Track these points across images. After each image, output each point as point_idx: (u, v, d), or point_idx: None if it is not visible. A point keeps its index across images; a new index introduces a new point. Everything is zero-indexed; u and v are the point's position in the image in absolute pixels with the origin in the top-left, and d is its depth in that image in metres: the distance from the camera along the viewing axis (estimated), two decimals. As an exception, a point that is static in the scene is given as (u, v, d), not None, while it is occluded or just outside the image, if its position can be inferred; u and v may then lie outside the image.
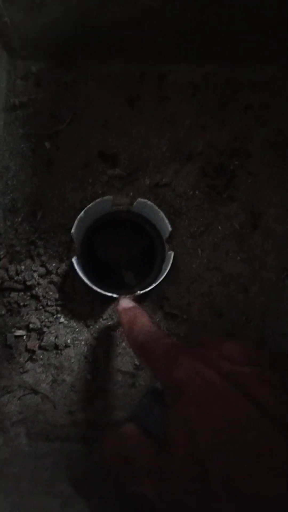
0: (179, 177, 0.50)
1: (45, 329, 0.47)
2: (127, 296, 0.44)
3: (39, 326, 0.47)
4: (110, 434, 0.29)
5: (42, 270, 0.48)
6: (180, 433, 0.23)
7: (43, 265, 0.48)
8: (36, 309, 0.47)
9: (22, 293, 0.47)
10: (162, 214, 0.46)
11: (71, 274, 0.48)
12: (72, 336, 0.47)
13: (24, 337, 0.47)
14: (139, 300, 0.48)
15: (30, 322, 0.47)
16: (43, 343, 0.47)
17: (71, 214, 0.49)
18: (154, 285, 0.46)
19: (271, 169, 0.51)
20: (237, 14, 0.45)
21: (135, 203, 0.48)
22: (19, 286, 0.47)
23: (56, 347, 0.47)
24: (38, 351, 0.47)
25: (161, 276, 0.46)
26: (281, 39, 0.47)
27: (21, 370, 0.47)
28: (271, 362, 0.25)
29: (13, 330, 0.47)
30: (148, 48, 0.49)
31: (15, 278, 0.47)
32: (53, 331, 0.47)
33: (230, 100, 0.51)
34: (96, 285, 0.45)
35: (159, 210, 0.46)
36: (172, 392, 0.25)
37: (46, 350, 0.47)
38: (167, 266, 0.47)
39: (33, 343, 0.47)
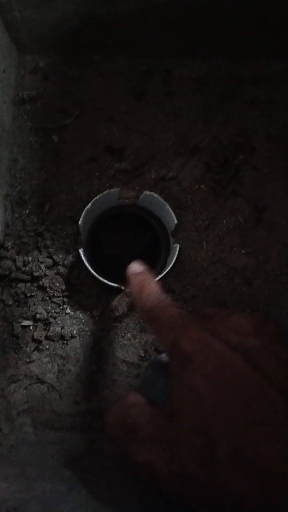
0: (185, 171, 0.51)
1: (51, 319, 0.48)
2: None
3: (46, 317, 0.47)
4: (114, 403, 0.29)
5: (49, 261, 0.48)
6: (187, 402, 0.23)
7: (50, 256, 0.48)
8: (43, 300, 0.48)
9: (29, 284, 0.48)
10: (168, 206, 0.47)
11: (78, 265, 0.48)
12: (78, 327, 0.48)
13: (31, 327, 0.48)
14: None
15: (36, 313, 0.47)
16: (49, 334, 0.47)
17: (78, 206, 0.50)
18: (159, 277, 0.46)
19: (275, 163, 0.51)
20: (241, 9, 0.45)
21: (141, 196, 0.48)
22: (26, 277, 0.48)
23: (62, 337, 0.47)
24: (45, 341, 0.47)
25: (166, 269, 0.47)
26: (285, 34, 0.47)
27: (27, 360, 0.47)
28: (279, 335, 0.25)
29: (20, 320, 0.47)
30: (154, 44, 0.50)
31: (23, 269, 0.48)
32: (59, 321, 0.48)
33: (235, 95, 0.52)
34: (101, 277, 0.45)
35: (165, 202, 0.47)
36: (178, 361, 0.25)
37: (53, 340, 0.47)
38: (172, 259, 0.47)
39: (39, 333, 0.47)
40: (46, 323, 0.48)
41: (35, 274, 0.48)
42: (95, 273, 0.45)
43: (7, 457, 0.41)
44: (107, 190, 0.46)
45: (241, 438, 0.21)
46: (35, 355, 0.47)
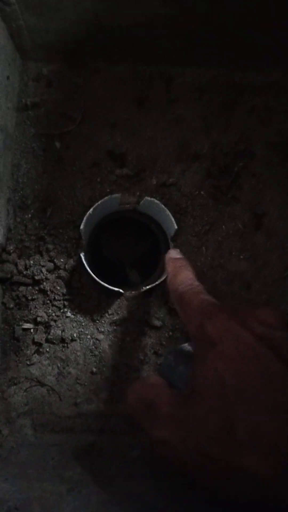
0: (185, 177, 0.52)
1: (52, 322, 0.48)
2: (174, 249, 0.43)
3: (46, 320, 0.48)
4: (135, 382, 0.30)
5: (50, 265, 0.49)
6: (209, 384, 0.24)
7: (51, 260, 0.49)
8: (43, 303, 0.49)
9: (30, 287, 0.49)
10: (168, 212, 0.48)
11: (79, 269, 0.49)
12: (78, 330, 0.48)
13: (32, 330, 0.48)
14: (144, 295, 0.49)
15: (37, 316, 0.48)
16: (50, 337, 0.48)
17: (79, 211, 0.50)
18: (159, 281, 0.47)
19: (275, 170, 0.52)
20: (242, 19, 0.46)
21: (142, 202, 0.49)
22: (28, 281, 0.48)
23: (62, 340, 0.48)
24: (45, 344, 0.48)
25: (166, 273, 0.47)
26: (286, 43, 0.48)
27: (28, 363, 0.48)
28: None
29: (21, 323, 0.48)
30: (157, 52, 0.51)
31: (24, 273, 0.48)
32: (60, 324, 0.48)
33: (236, 103, 0.53)
34: (102, 281, 0.46)
35: (165, 208, 0.48)
36: (203, 344, 0.26)
37: (53, 343, 0.48)
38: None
39: (40, 336, 0.48)
40: (47, 326, 0.48)
41: (37, 277, 0.48)
42: (96, 277, 0.46)
43: (8, 459, 0.41)
44: (109, 196, 0.47)
45: (262, 422, 0.22)
46: (35, 358, 0.48)
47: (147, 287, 0.46)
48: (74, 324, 0.49)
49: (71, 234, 0.50)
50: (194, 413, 0.24)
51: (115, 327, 0.49)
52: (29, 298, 0.48)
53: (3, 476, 0.36)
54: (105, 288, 0.46)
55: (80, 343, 0.48)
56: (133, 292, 0.49)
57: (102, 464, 0.40)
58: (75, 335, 0.48)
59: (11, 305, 0.48)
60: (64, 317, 0.49)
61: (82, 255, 0.46)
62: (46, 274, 0.49)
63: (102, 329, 0.49)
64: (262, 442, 0.21)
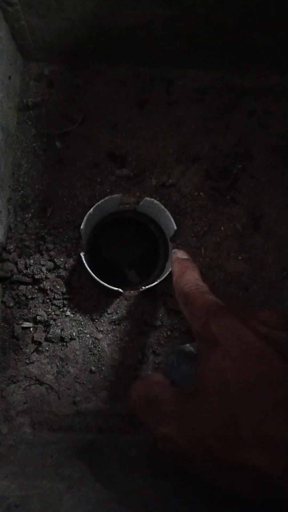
0: (185, 179, 0.52)
1: (51, 321, 0.48)
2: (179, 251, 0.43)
3: (46, 319, 0.48)
4: (138, 380, 0.31)
5: (50, 264, 0.49)
6: (213, 382, 0.25)
7: (51, 259, 0.49)
8: (43, 302, 0.49)
9: (30, 286, 0.49)
10: (167, 212, 0.48)
11: (78, 269, 0.49)
12: (77, 329, 0.49)
13: (31, 329, 0.48)
14: (142, 295, 0.50)
15: (37, 315, 0.48)
16: (49, 335, 0.48)
17: (79, 211, 0.51)
18: (158, 281, 0.47)
19: (273, 173, 0.53)
20: (243, 23, 0.47)
21: (141, 202, 0.50)
22: (28, 280, 0.49)
23: (61, 339, 0.48)
24: (44, 343, 0.48)
25: (165, 273, 0.48)
26: (286, 46, 0.49)
27: (27, 361, 0.48)
28: None
29: (20, 322, 0.48)
30: (158, 54, 0.52)
31: (24, 272, 0.49)
32: (59, 323, 0.49)
33: (235, 106, 0.53)
34: (101, 281, 0.46)
35: (165, 209, 0.48)
36: (207, 343, 0.27)
37: (52, 342, 0.48)
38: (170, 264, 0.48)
39: (39, 335, 0.48)
40: (46, 325, 0.48)
41: (36, 276, 0.48)
42: (95, 277, 0.46)
43: (7, 457, 0.42)
44: (109, 196, 0.47)
45: (265, 419, 0.22)
46: (34, 357, 0.48)
47: (146, 287, 0.47)
48: (74, 323, 0.49)
49: (71, 234, 0.50)
50: (198, 410, 0.25)
51: (114, 327, 0.49)
52: (29, 297, 0.49)
53: (3, 473, 0.37)
54: (105, 288, 0.46)
55: (79, 342, 0.49)
56: (132, 291, 0.49)
57: (101, 462, 0.40)
58: (74, 334, 0.49)
59: (11, 304, 0.48)
60: (64, 316, 0.49)
61: (82, 254, 0.46)
62: (46, 273, 0.49)
63: (101, 328, 0.49)
64: (265, 439, 0.22)
